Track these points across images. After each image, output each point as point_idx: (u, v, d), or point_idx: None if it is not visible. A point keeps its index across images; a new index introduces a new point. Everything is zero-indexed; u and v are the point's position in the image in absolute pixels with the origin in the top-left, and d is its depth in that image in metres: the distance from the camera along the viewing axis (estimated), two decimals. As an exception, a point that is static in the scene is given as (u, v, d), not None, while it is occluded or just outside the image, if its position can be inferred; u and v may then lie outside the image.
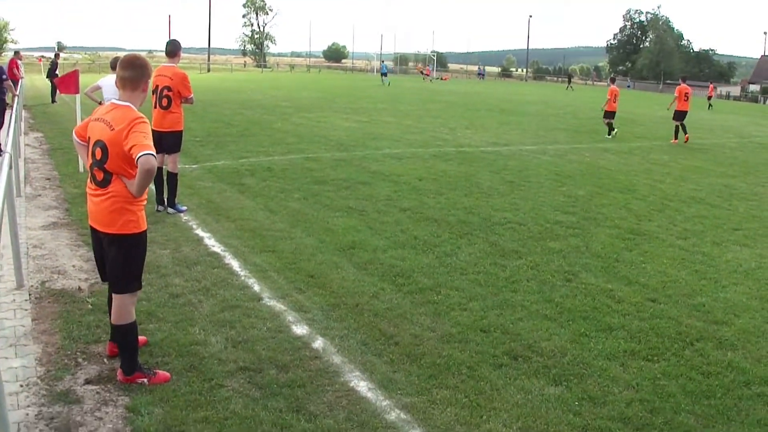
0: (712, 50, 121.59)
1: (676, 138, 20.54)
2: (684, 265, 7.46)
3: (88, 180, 4.28)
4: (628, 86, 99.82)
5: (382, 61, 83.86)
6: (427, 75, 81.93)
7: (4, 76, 13.63)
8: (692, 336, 5.46)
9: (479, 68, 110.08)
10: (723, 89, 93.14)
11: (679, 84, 21.78)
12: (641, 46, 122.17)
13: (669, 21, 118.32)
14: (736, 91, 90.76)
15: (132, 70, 4.25)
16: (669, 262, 7.48)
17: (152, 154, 3.90)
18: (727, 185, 13.05)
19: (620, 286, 6.58)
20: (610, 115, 20.89)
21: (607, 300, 6.18)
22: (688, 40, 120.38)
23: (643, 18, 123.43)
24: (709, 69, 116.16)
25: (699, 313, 6.01)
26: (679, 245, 8.25)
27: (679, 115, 20.79)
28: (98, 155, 4.10)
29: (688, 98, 21.00)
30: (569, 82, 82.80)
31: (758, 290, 6.76)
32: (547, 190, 11.19)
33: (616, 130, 20.79)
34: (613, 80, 23.32)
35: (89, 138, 4.24)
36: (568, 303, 6.04)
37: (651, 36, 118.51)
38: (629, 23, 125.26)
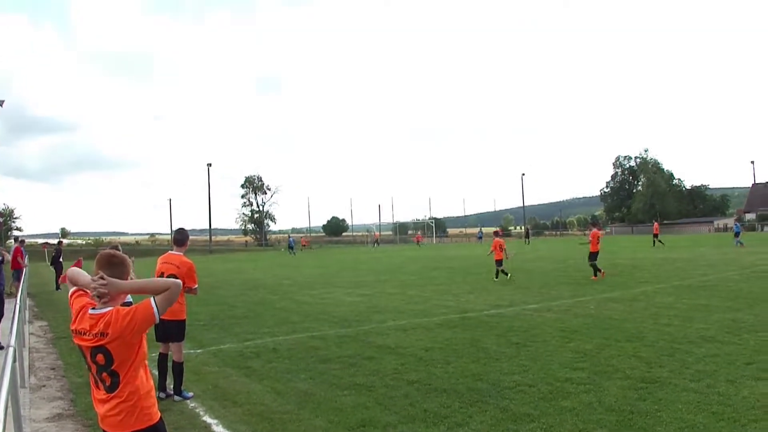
0: (704, 185, 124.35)
1: (595, 275, 23.67)
2: (700, 408, 7.30)
3: (93, 387, 4.05)
4: (608, 232, 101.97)
5: (290, 236, 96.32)
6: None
7: None
8: (717, 486, 5.28)
9: (479, 231, 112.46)
10: (720, 222, 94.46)
11: (594, 230, 25.71)
12: (634, 190, 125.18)
13: (658, 162, 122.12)
14: (732, 222, 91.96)
15: (110, 269, 4.00)
16: (685, 407, 7.32)
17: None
18: (735, 319, 12.99)
19: (637, 440, 6.43)
20: (499, 263, 24.79)
21: (626, 456, 6.02)
22: (680, 179, 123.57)
23: (632, 163, 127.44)
24: (702, 204, 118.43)
25: (721, 460, 5.84)
26: (693, 388, 8.10)
27: (593, 256, 24.26)
28: (101, 361, 3.88)
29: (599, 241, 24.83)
30: (527, 236, 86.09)
31: (779, 429, 6.57)
32: (554, 347, 11.09)
33: (509, 275, 24.53)
34: (496, 234, 27.83)
35: (82, 347, 3.98)
36: (586, 463, 5.88)
37: (642, 180, 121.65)
38: (620, 170, 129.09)
